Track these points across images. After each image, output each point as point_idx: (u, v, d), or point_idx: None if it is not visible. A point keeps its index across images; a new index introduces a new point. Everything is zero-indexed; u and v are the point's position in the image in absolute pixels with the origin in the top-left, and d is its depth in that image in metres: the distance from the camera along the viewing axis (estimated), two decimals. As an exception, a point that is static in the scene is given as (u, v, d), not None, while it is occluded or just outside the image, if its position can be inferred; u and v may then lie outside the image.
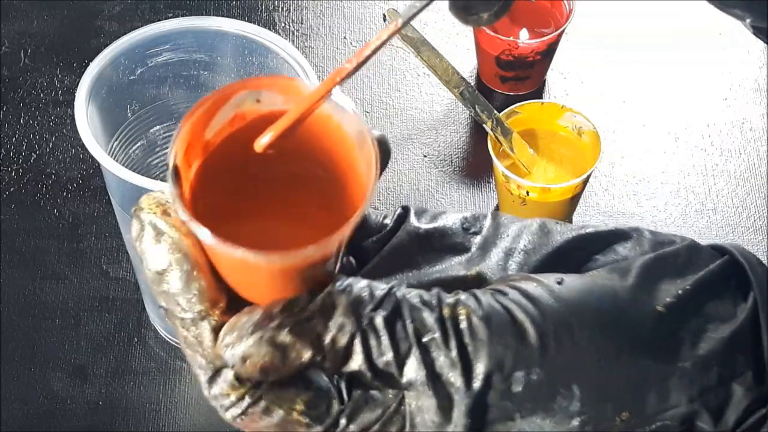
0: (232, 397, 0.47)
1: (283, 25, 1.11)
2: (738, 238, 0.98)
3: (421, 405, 0.46)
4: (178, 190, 0.44)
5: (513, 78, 1.05)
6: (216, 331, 0.46)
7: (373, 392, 0.47)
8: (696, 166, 1.03)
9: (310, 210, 0.49)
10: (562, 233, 0.51)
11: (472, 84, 0.97)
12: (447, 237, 0.52)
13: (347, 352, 0.46)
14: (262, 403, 0.46)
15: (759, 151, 1.04)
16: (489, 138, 0.94)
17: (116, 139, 0.82)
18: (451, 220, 0.53)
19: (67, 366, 0.90)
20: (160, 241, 0.47)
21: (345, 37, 1.10)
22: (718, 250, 0.51)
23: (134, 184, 0.74)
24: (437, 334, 0.46)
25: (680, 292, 0.49)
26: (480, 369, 0.45)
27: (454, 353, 0.45)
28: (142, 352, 0.91)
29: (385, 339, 0.46)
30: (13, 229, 0.97)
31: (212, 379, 0.47)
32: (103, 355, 0.91)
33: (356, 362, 0.46)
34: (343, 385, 0.47)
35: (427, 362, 0.46)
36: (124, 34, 0.81)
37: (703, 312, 0.49)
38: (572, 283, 0.48)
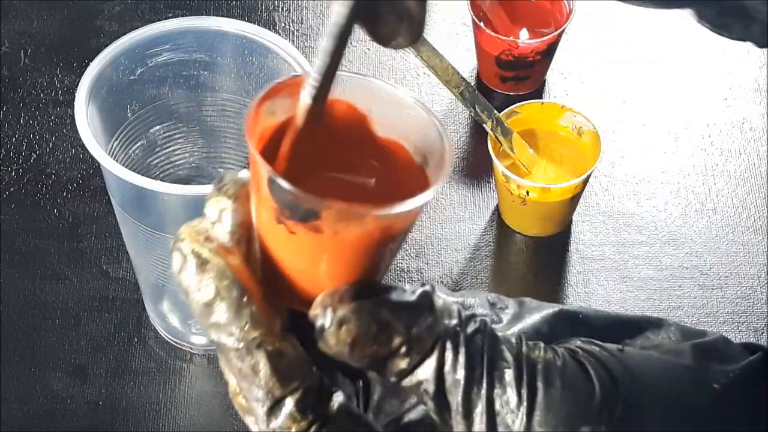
0: (293, 431, 0.45)
1: (283, 25, 1.11)
2: (738, 238, 0.99)
3: None
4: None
5: (513, 78, 1.05)
6: (272, 358, 0.45)
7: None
8: (696, 166, 1.03)
9: (379, 194, 0.47)
10: (594, 318, 0.51)
11: (472, 84, 0.97)
12: (474, 309, 0.51)
13: (426, 355, 0.44)
14: None
15: (759, 151, 1.04)
16: (489, 138, 0.94)
17: (116, 139, 0.82)
18: (477, 297, 0.52)
19: (67, 366, 0.90)
20: (205, 270, 0.45)
21: (345, 37, 1.10)
22: (747, 347, 0.51)
23: (134, 184, 0.74)
24: (512, 371, 0.45)
25: (731, 375, 0.49)
26: (547, 417, 0.44)
27: (523, 393, 0.44)
28: (142, 352, 0.91)
29: (461, 356, 0.44)
30: (13, 229, 0.97)
31: (272, 411, 0.45)
32: (103, 355, 0.91)
33: (428, 369, 0.44)
34: None
35: (489, 396, 0.44)
36: (124, 34, 0.81)
37: (753, 394, 0.49)
38: (632, 352, 0.48)
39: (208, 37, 0.83)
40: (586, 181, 0.94)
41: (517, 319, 0.51)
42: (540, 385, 0.45)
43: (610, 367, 0.46)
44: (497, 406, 0.44)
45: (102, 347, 0.92)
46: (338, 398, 0.46)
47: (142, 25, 0.81)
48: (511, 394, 0.44)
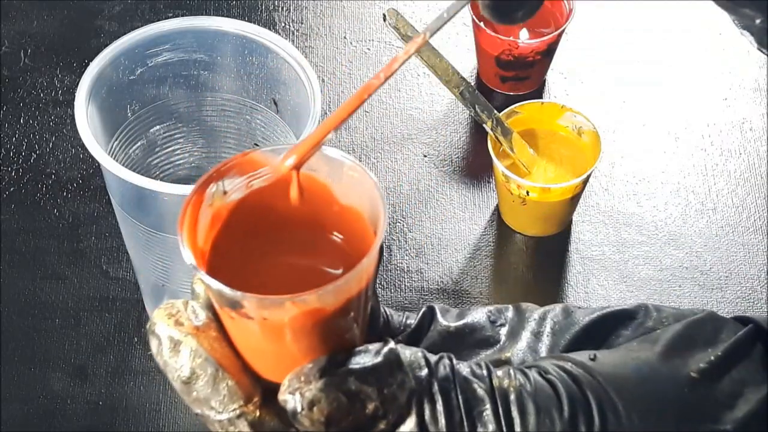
0: None
1: (283, 25, 1.11)
2: (738, 238, 0.99)
3: None
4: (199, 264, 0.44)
5: (513, 78, 1.05)
6: (254, 426, 0.46)
7: None
8: (696, 166, 1.03)
9: (325, 270, 0.48)
10: (584, 314, 0.52)
11: (472, 84, 0.97)
12: (477, 332, 0.52)
13: (404, 411, 0.45)
14: None
15: (759, 151, 1.04)
16: (489, 138, 0.94)
17: (116, 139, 0.82)
18: (477, 315, 0.53)
19: (67, 366, 0.90)
20: (179, 350, 0.47)
21: (345, 37, 1.10)
22: (740, 320, 0.52)
23: (134, 184, 0.74)
24: (488, 406, 0.46)
25: (712, 358, 0.49)
26: None
27: (503, 425, 0.45)
28: (142, 352, 0.91)
29: (439, 405, 0.45)
30: (13, 229, 0.97)
31: None
32: (103, 355, 0.91)
33: (409, 425, 0.45)
34: None
35: None
36: (124, 34, 0.81)
37: (735, 377, 0.49)
38: (605, 358, 0.48)
39: (208, 37, 0.83)
40: (586, 181, 0.94)
41: (514, 336, 0.52)
42: (515, 415, 0.46)
43: (581, 380, 0.47)
44: None
45: (102, 347, 0.92)
46: None
47: (142, 25, 0.81)
48: (492, 430, 0.46)
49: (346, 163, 0.47)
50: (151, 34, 0.81)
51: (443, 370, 0.46)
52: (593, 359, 0.48)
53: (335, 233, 0.49)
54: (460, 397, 0.46)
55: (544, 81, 1.08)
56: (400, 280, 0.96)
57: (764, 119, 1.06)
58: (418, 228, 0.99)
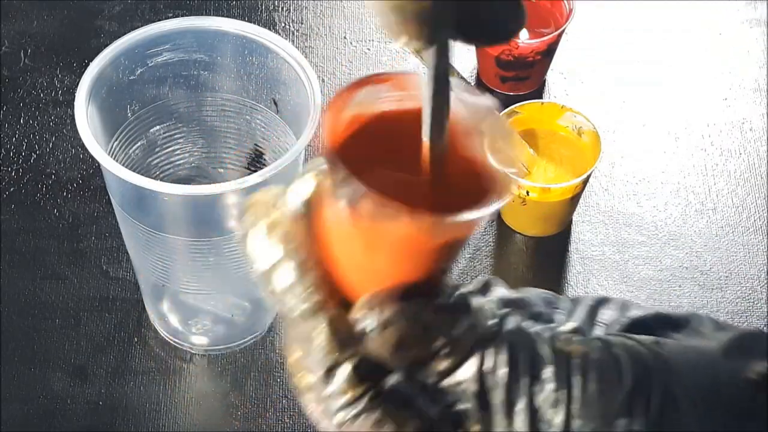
0: (348, 396, 0.45)
1: (283, 25, 1.11)
2: (738, 238, 0.99)
3: None
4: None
5: (513, 78, 1.05)
6: (332, 322, 0.45)
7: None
8: (696, 166, 1.03)
9: (437, 205, 0.47)
10: (640, 310, 0.52)
11: (472, 84, 0.97)
12: (532, 307, 0.52)
13: (467, 355, 0.45)
14: (377, 413, 0.45)
15: (759, 151, 1.04)
16: (489, 138, 0.94)
17: (116, 139, 0.82)
18: (534, 293, 0.52)
19: (67, 366, 0.90)
20: (273, 233, 0.46)
21: (345, 37, 1.10)
22: None
23: (134, 184, 0.74)
24: (550, 367, 0.45)
25: None
26: (584, 411, 0.45)
27: (562, 390, 0.45)
28: (142, 352, 0.91)
29: (502, 356, 0.45)
30: (13, 229, 0.97)
31: (328, 376, 0.45)
32: (103, 355, 0.91)
33: (469, 370, 0.45)
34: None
35: (529, 394, 0.45)
36: (124, 34, 0.81)
37: None
38: (668, 344, 0.48)
39: (208, 37, 0.83)
40: (586, 181, 0.94)
41: (568, 318, 0.52)
42: (576, 379, 0.45)
43: (644, 359, 0.47)
44: (537, 402, 0.45)
45: (102, 347, 0.92)
46: (394, 375, 0.46)
47: (142, 25, 0.81)
48: (550, 389, 0.45)
49: (501, 121, 0.48)
50: (151, 34, 0.81)
51: (512, 324, 0.46)
52: (657, 343, 0.48)
53: (457, 174, 0.48)
54: (523, 352, 0.45)
55: (544, 81, 1.08)
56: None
57: (764, 119, 1.06)
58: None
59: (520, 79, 1.05)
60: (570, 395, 0.45)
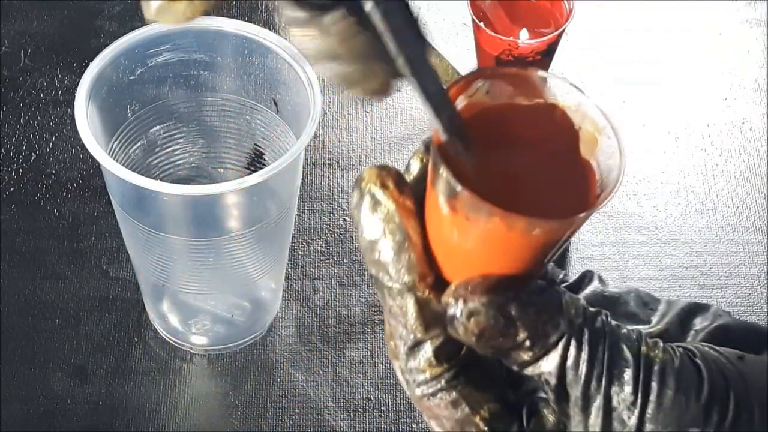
0: (427, 374, 0.48)
1: (283, 25, 1.11)
2: (738, 238, 0.99)
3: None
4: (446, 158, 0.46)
5: (513, 78, 1.05)
6: (420, 303, 0.48)
7: (546, 416, 0.48)
8: (696, 166, 1.03)
9: (551, 196, 0.50)
10: (737, 324, 0.53)
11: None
12: (628, 305, 0.54)
13: (549, 350, 0.47)
14: (454, 394, 0.48)
15: (759, 151, 1.04)
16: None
17: (116, 139, 0.82)
18: (630, 292, 0.54)
19: (67, 366, 0.90)
20: (376, 210, 0.48)
21: (345, 37, 1.10)
22: None
23: (134, 184, 0.74)
24: (630, 369, 0.47)
25: None
26: (658, 415, 0.46)
27: (639, 391, 0.46)
28: (142, 352, 0.91)
29: (584, 354, 0.47)
30: (13, 229, 0.97)
31: (411, 351, 0.48)
32: (103, 355, 0.91)
33: (551, 363, 0.47)
34: (524, 411, 0.49)
35: (607, 393, 0.47)
36: (124, 34, 0.81)
37: None
38: (753, 360, 0.49)
39: (208, 37, 0.83)
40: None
41: (661, 321, 0.53)
42: (655, 385, 0.46)
43: (724, 371, 0.48)
44: (614, 402, 0.46)
45: (102, 347, 0.92)
46: (472, 357, 0.48)
47: (142, 25, 0.81)
48: (628, 391, 0.46)
49: (599, 120, 0.50)
50: (151, 34, 0.81)
51: (598, 323, 0.48)
52: (741, 358, 0.49)
53: (562, 168, 0.50)
54: (606, 352, 0.47)
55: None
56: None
57: (764, 119, 1.06)
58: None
59: (520, 79, 1.05)
60: (646, 399, 0.46)
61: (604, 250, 0.98)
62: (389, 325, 0.49)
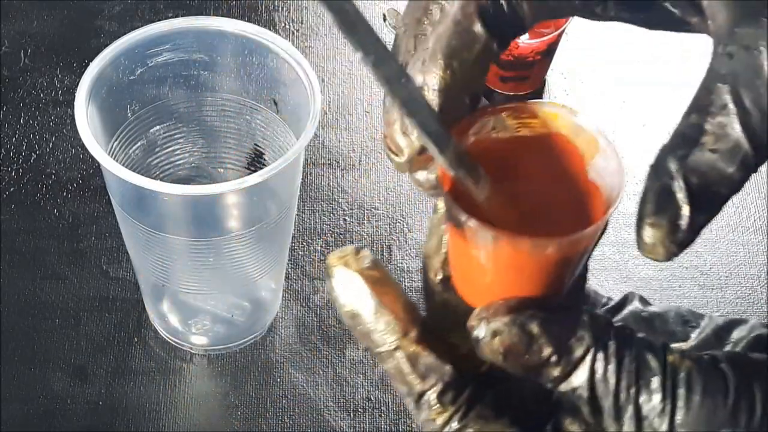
0: (438, 422, 0.50)
1: (283, 25, 1.11)
2: (738, 238, 0.99)
3: None
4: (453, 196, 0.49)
5: (513, 78, 1.05)
6: (410, 359, 0.50)
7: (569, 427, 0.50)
8: (696, 166, 1.03)
9: (560, 219, 0.52)
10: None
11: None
12: (667, 324, 0.56)
13: (576, 366, 0.48)
14: (469, 431, 0.50)
15: (759, 151, 1.04)
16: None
17: (116, 139, 0.82)
18: (672, 311, 0.56)
19: (67, 366, 0.90)
20: (347, 287, 0.51)
21: (345, 37, 1.10)
22: None
23: (134, 184, 0.74)
24: (657, 378, 0.48)
25: None
26: (687, 420, 0.48)
27: (667, 398, 0.48)
28: (142, 352, 0.91)
29: (611, 366, 0.48)
30: (13, 229, 0.97)
31: (418, 405, 0.50)
32: (103, 355, 0.91)
33: (581, 377, 0.48)
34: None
35: (637, 402, 0.48)
36: (124, 34, 0.81)
37: None
38: None
39: (208, 37, 0.83)
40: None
41: (700, 336, 0.55)
42: (682, 391, 0.48)
43: (751, 374, 0.49)
44: (645, 411, 0.48)
45: (102, 347, 0.92)
46: (475, 390, 0.51)
47: (142, 25, 0.81)
48: (657, 399, 0.48)
49: (600, 142, 0.53)
50: (151, 34, 0.81)
51: (622, 335, 0.49)
52: None
53: (569, 191, 0.53)
54: (633, 363, 0.48)
55: (544, 81, 1.08)
56: (400, 280, 0.96)
57: (764, 119, 1.06)
58: (418, 228, 0.99)
59: (521, 79, 1.05)
60: (675, 406, 0.48)
61: (604, 250, 0.98)
62: (396, 387, 0.52)
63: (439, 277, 0.55)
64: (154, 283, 0.88)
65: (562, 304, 0.50)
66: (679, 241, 0.52)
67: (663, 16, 0.55)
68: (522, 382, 0.51)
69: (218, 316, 0.91)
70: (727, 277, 0.97)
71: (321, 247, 0.97)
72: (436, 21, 0.51)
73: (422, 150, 0.50)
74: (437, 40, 0.51)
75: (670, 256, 0.50)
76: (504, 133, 0.52)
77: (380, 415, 0.89)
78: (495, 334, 0.48)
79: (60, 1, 1.11)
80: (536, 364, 0.48)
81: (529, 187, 0.52)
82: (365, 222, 0.99)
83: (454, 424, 0.50)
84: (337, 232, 0.98)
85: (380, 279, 0.52)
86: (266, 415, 0.89)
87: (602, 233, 0.53)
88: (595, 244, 0.52)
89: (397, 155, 0.52)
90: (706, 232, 1.01)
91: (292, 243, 0.92)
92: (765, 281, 0.96)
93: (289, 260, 0.93)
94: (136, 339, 0.92)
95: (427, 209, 1.00)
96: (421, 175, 0.52)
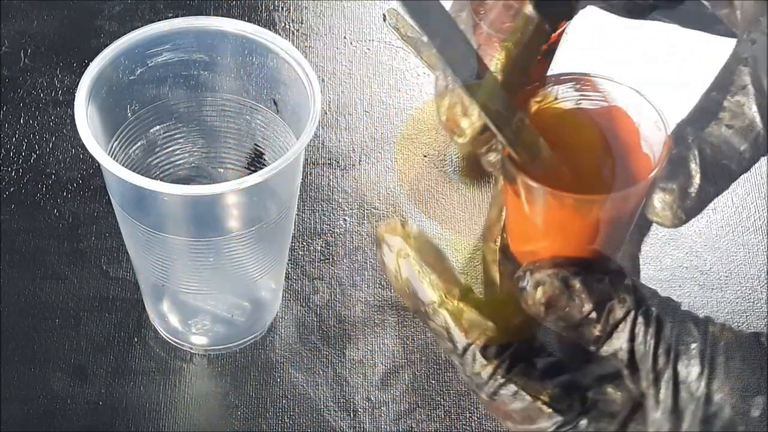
0: (483, 375, 0.52)
1: (283, 25, 1.11)
2: (738, 238, 0.98)
3: (652, 405, 0.50)
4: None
5: (513, 78, 1.05)
6: (453, 314, 0.53)
7: (612, 394, 0.51)
8: (696, 166, 1.03)
9: (611, 187, 0.54)
10: None
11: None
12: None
13: (616, 327, 0.49)
14: (513, 386, 0.51)
15: (759, 151, 1.04)
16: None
17: (116, 139, 0.82)
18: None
19: (67, 366, 0.90)
20: (391, 251, 0.55)
21: (345, 37, 1.10)
22: None
23: (134, 184, 0.74)
24: (697, 345, 0.49)
25: None
26: (724, 385, 0.49)
27: (705, 364, 0.49)
28: (142, 352, 0.91)
29: (652, 329, 0.49)
30: (13, 229, 0.97)
31: (463, 359, 0.52)
32: (103, 355, 0.91)
33: (619, 341, 0.50)
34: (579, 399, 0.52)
35: (675, 367, 0.49)
36: (124, 34, 0.81)
37: None
38: None
39: (208, 37, 0.83)
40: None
41: None
42: (721, 358, 0.49)
43: None
44: (682, 375, 0.49)
45: (102, 347, 0.92)
46: (519, 349, 0.53)
47: (142, 25, 0.81)
48: (695, 365, 0.49)
49: (654, 117, 0.56)
50: (151, 34, 0.81)
51: (666, 305, 0.51)
52: None
53: (623, 163, 0.54)
54: (674, 328, 0.50)
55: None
56: (400, 280, 0.96)
57: (765, 119, 1.06)
58: (418, 228, 0.98)
59: (520, 79, 1.05)
60: (713, 371, 0.49)
61: (604, 250, 0.98)
62: (442, 348, 0.54)
63: (498, 244, 0.56)
64: (154, 283, 0.88)
65: (605, 265, 0.51)
66: (687, 208, 0.52)
67: (695, 12, 0.56)
68: (565, 356, 0.52)
69: (218, 316, 0.91)
70: (727, 277, 0.97)
71: (321, 247, 0.97)
72: (489, 7, 0.53)
73: (483, 129, 0.51)
74: (491, 24, 0.54)
75: (677, 222, 0.51)
76: (566, 103, 0.54)
77: (380, 415, 0.89)
78: (538, 284, 0.50)
79: (60, 1, 1.11)
80: (577, 320, 0.49)
81: (586, 157, 0.53)
82: (365, 222, 0.99)
83: (499, 378, 0.51)
84: (337, 232, 0.98)
85: (424, 244, 0.54)
86: (266, 415, 0.89)
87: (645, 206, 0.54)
88: (638, 216, 0.53)
89: (460, 136, 0.53)
90: (706, 232, 1.01)
91: (292, 243, 0.92)
92: (765, 281, 0.96)
93: (289, 260, 0.93)
94: (136, 339, 0.92)
95: (427, 209, 1.00)
96: (493, 156, 0.53)
